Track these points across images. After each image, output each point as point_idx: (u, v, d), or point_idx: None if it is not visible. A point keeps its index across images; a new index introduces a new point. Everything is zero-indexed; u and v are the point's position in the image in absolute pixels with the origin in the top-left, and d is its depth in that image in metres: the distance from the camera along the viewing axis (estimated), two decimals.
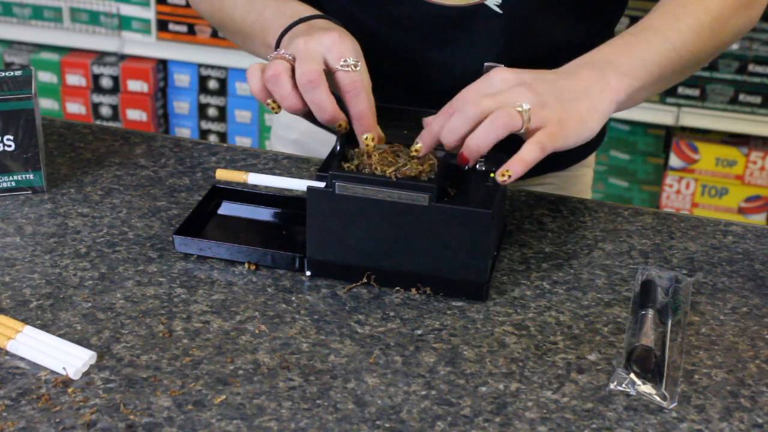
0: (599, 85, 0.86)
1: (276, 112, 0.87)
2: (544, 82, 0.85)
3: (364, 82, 0.87)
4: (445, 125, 0.83)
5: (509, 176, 0.81)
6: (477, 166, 0.88)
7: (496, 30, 1.01)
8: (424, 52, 1.04)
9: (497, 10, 0.99)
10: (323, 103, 0.85)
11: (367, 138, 0.86)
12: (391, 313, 0.85)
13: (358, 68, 0.87)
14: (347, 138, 0.90)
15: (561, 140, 0.84)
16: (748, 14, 0.98)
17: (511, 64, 0.89)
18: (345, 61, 0.86)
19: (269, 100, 0.88)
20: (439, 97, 0.89)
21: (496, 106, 0.82)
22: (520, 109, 0.82)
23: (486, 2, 0.99)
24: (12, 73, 1.01)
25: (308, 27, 0.94)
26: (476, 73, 0.90)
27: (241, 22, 1.02)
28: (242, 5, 1.01)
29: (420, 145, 0.84)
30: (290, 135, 1.21)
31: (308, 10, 0.97)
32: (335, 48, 0.87)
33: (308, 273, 0.89)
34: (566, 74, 0.88)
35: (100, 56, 2.61)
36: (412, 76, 1.05)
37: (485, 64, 0.92)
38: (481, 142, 0.82)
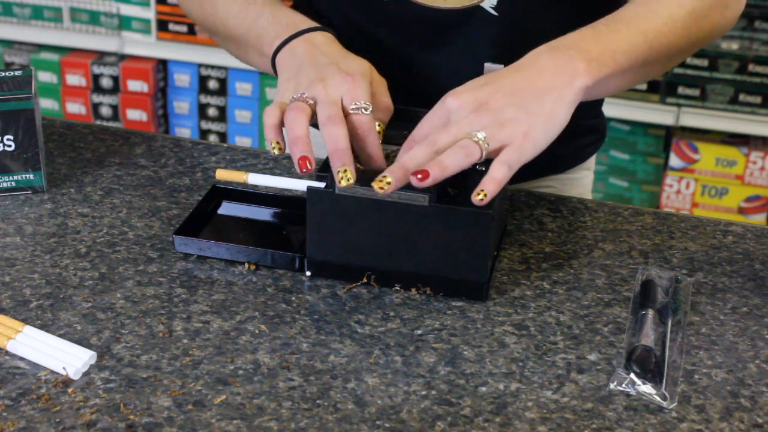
0: (566, 73, 0.85)
1: (275, 154, 0.87)
2: (502, 91, 0.84)
3: (372, 123, 0.87)
4: (403, 161, 0.82)
5: (485, 195, 0.80)
6: (477, 166, 0.88)
7: (492, 32, 1.01)
8: (420, 55, 1.04)
9: (493, 12, 0.99)
10: (340, 138, 0.84)
11: (382, 181, 0.81)
12: (391, 313, 0.85)
13: (368, 112, 0.87)
14: None
15: (530, 151, 0.83)
16: (723, 14, 0.98)
17: (507, 65, 0.89)
18: (356, 104, 0.87)
19: (275, 141, 0.86)
20: (438, 98, 0.89)
21: (452, 141, 0.82)
22: (476, 139, 0.81)
23: (481, 4, 0.99)
24: (12, 73, 1.01)
25: (310, 45, 0.93)
26: (474, 74, 0.90)
27: (234, 29, 1.01)
28: (236, 12, 1.00)
29: (390, 178, 0.80)
30: None
31: (304, 21, 0.96)
32: (350, 93, 0.88)
33: (308, 273, 0.89)
34: (528, 68, 0.86)
35: (100, 56, 2.61)
36: (410, 78, 1.05)
37: (486, 64, 0.92)
38: (437, 173, 0.80)
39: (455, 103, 0.84)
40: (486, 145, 0.81)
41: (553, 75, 0.85)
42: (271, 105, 0.89)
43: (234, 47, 1.05)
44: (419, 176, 0.79)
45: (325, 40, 0.94)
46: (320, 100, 0.87)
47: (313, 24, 0.96)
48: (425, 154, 0.82)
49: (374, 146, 0.87)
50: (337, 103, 0.87)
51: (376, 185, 0.80)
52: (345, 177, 0.82)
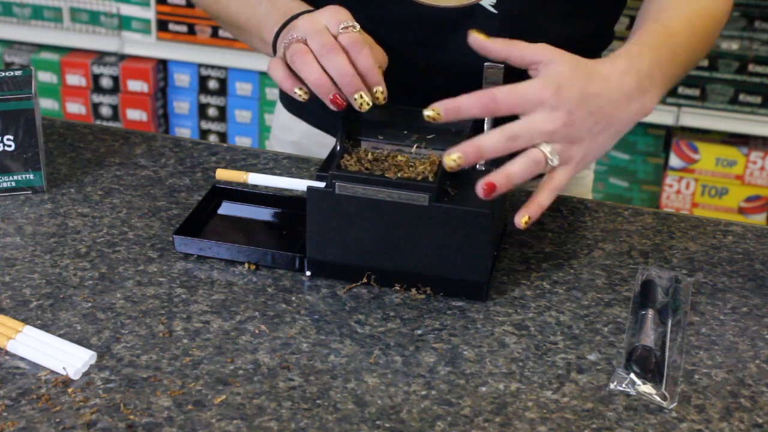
0: (638, 108, 0.86)
1: (303, 99, 0.89)
2: (588, 108, 0.83)
3: (364, 39, 0.90)
4: (480, 143, 0.83)
5: (529, 218, 0.82)
6: (477, 166, 0.88)
7: (492, 30, 1.00)
8: (420, 53, 1.04)
9: (492, 10, 0.99)
10: (342, 65, 0.87)
11: (377, 91, 0.88)
12: (391, 313, 0.85)
13: (357, 29, 0.90)
14: (347, 136, 0.90)
15: (572, 174, 0.85)
16: (728, 11, 1.01)
17: (507, 65, 0.89)
18: (344, 24, 0.90)
19: (296, 88, 0.89)
20: (438, 96, 0.89)
21: (526, 146, 0.82)
22: (547, 155, 0.82)
23: (481, 2, 0.99)
24: (12, 73, 1.01)
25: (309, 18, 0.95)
26: (474, 73, 0.90)
27: (236, 16, 1.04)
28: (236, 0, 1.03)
29: (459, 155, 0.80)
30: (289, 137, 1.22)
31: (301, 6, 0.98)
32: (334, 17, 0.90)
33: (308, 273, 0.89)
34: (616, 85, 0.85)
35: (100, 56, 2.61)
36: (410, 77, 1.05)
37: (486, 64, 0.92)
38: (503, 184, 0.81)
39: (556, 97, 0.83)
40: (551, 162, 0.82)
41: (627, 108, 0.85)
42: (273, 61, 0.91)
43: (237, 32, 1.08)
44: (485, 188, 0.80)
45: None
46: (308, 32, 0.89)
47: (308, 8, 0.97)
48: (499, 141, 0.81)
49: (368, 60, 0.89)
50: (324, 30, 0.89)
51: (446, 159, 0.80)
52: (364, 101, 0.86)
